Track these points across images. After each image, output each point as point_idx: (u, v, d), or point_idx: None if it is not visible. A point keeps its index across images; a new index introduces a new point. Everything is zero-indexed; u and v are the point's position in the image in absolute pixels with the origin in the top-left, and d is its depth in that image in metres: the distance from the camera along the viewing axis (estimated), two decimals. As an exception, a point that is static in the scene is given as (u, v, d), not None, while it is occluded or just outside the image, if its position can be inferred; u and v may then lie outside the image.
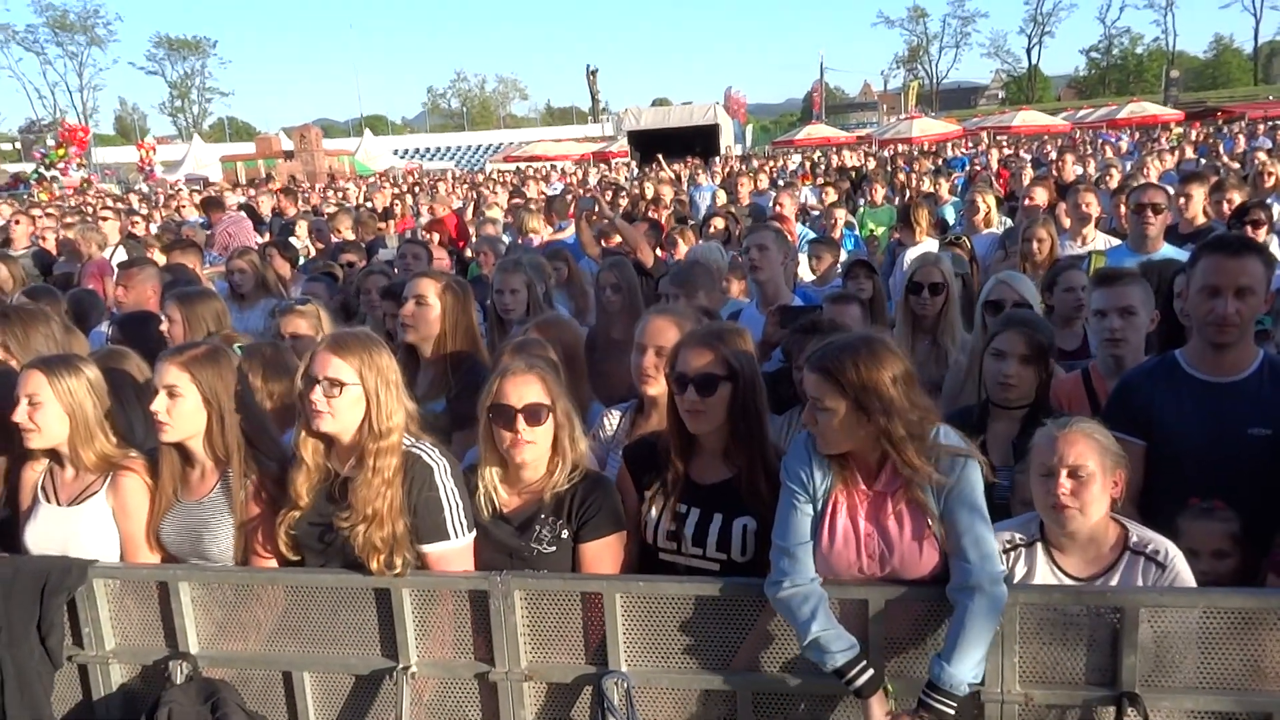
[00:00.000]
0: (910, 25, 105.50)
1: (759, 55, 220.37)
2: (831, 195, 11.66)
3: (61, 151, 40.15)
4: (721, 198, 12.87)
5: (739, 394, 2.81)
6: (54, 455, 3.18)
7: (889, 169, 18.08)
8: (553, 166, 35.24)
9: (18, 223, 10.31)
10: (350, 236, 9.81)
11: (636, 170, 30.70)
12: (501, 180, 27.36)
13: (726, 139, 46.40)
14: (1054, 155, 17.90)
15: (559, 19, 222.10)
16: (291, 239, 9.55)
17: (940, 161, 20.78)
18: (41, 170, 39.66)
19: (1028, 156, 20.09)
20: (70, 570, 2.98)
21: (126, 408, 3.39)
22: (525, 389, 2.86)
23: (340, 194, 23.71)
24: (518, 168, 38.36)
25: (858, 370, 2.43)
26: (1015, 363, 3.28)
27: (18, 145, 62.36)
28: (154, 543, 3.11)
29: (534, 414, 2.84)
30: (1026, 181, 10.17)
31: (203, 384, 3.00)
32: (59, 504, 3.14)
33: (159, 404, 2.98)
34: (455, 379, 3.90)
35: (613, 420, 3.48)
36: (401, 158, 55.61)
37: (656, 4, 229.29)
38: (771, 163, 27.08)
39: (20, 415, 3.05)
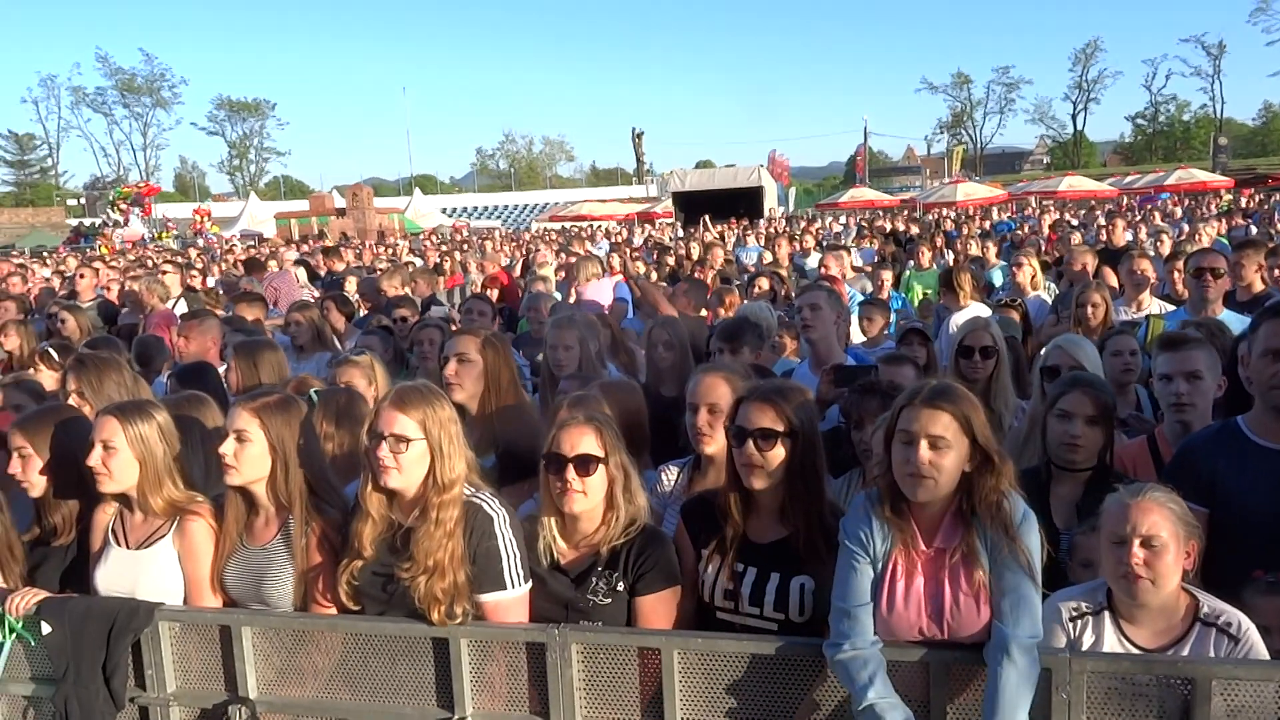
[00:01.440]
0: (954, 91, 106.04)
1: (803, 119, 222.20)
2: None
3: (128, 193, 42.07)
4: (768, 259, 12.93)
5: (798, 452, 2.80)
6: (123, 499, 3.26)
7: (931, 232, 18.09)
8: (598, 226, 35.69)
9: (83, 275, 10.66)
10: (404, 292, 9.98)
11: (681, 231, 31.01)
12: (546, 239, 27.77)
13: (770, 201, 46.70)
14: (1102, 220, 17.80)
15: (606, 83, 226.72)
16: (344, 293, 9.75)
17: (989, 225, 20.76)
18: (109, 212, 41.58)
19: (1074, 221, 20.00)
20: (138, 612, 3.03)
21: (191, 453, 3.48)
22: (580, 440, 2.89)
23: (391, 250, 24.19)
24: (563, 227, 38.98)
25: (978, 410, 2.47)
26: (1081, 423, 3.24)
27: (83, 201, 64.62)
28: (217, 587, 3.17)
29: (583, 464, 2.86)
30: (1074, 243, 10.15)
31: (271, 431, 3.08)
32: (128, 547, 3.21)
33: (227, 447, 3.06)
34: (503, 434, 3.92)
35: (670, 476, 3.49)
36: (450, 216, 56.67)
37: (701, 68, 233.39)
38: (817, 224, 27.21)
39: (94, 460, 3.15)
